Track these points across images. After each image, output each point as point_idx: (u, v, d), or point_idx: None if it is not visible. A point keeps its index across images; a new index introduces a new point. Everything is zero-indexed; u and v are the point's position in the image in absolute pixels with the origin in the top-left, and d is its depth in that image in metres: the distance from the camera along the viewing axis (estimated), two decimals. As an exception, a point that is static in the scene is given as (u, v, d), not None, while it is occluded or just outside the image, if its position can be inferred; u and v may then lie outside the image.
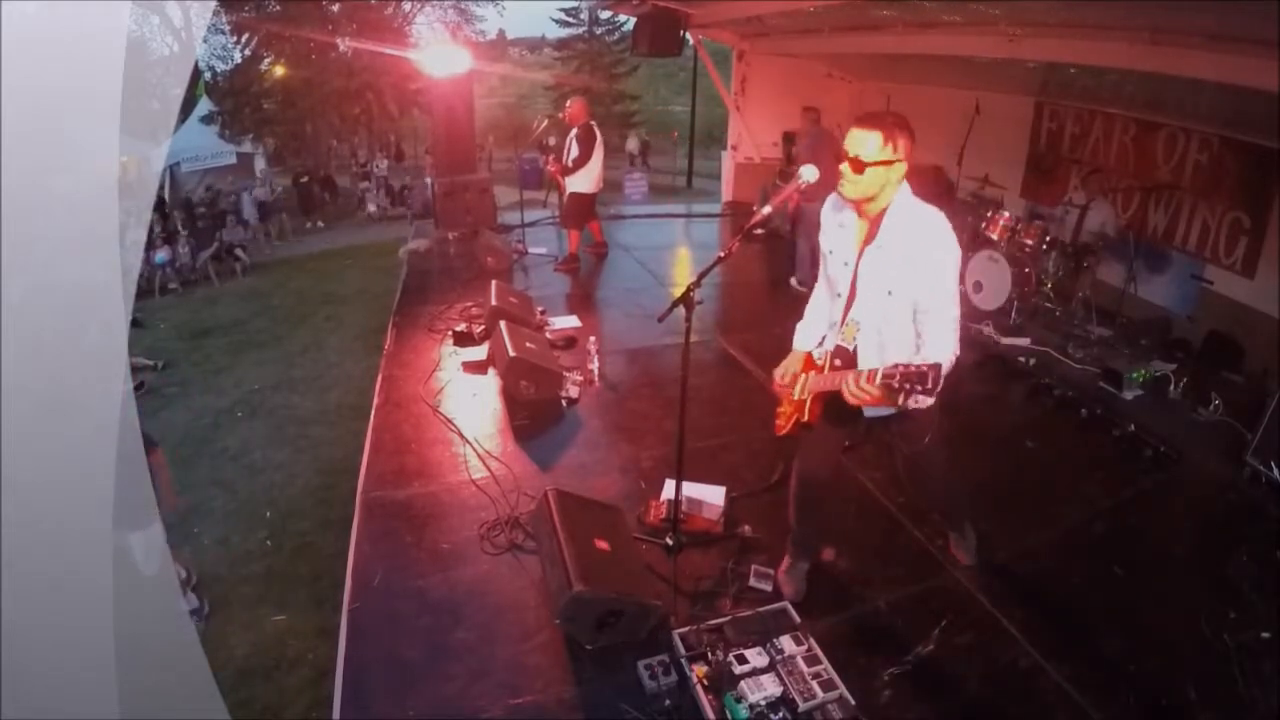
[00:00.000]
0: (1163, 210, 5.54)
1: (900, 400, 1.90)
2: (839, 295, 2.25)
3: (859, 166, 2.03)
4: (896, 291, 2.08)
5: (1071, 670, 2.40)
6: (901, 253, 2.05)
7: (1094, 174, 5.60)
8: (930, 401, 1.89)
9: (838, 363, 2.26)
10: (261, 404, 7.87)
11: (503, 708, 2.23)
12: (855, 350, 2.23)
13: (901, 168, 2.06)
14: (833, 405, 2.24)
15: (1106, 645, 2.54)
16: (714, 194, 13.04)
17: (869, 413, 2.29)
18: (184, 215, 13.84)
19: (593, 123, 6.62)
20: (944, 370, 1.92)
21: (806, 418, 2.32)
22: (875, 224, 2.11)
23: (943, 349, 2.03)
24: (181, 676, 4.25)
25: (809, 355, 2.40)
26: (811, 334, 2.44)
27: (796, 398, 2.35)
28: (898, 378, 1.83)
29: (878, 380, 1.89)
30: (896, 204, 2.08)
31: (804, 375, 2.35)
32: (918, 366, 1.81)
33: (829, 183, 2.20)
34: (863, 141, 2.02)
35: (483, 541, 2.94)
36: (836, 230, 2.24)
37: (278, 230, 15.31)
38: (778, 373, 2.42)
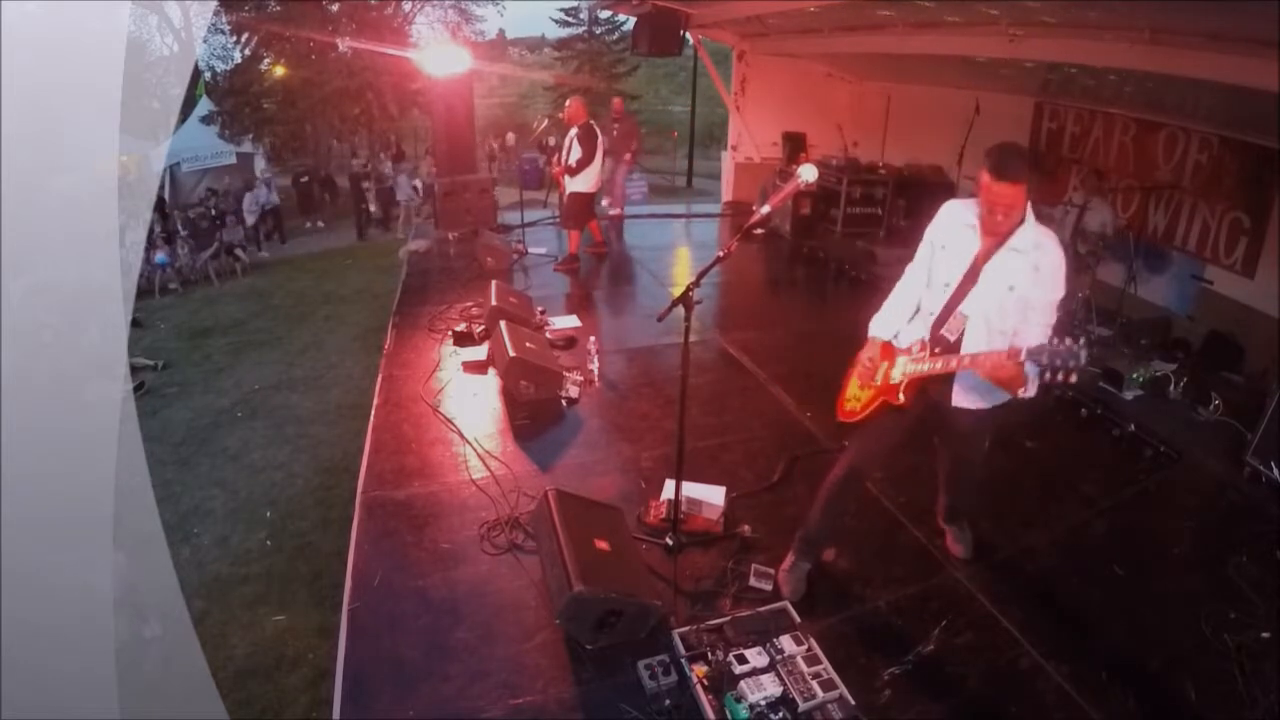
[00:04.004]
0: (1163, 210, 5.54)
1: (1032, 384, 2.11)
2: (946, 286, 2.37)
3: (1012, 212, 2.21)
4: (1018, 288, 2.25)
5: (1071, 670, 2.40)
6: (1033, 259, 2.24)
7: (1091, 174, 5.59)
8: (1073, 379, 2.02)
9: (937, 350, 2.37)
10: (261, 404, 7.86)
11: (503, 708, 2.23)
12: (957, 341, 2.35)
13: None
14: (923, 393, 2.42)
15: (1106, 645, 2.54)
16: (714, 194, 13.05)
17: (964, 403, 2.42)
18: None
19: (592, 121, 6.62)
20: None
21: (901, 401, 2.42)
22: (1009, 232, 2.27)
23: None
24: (181, 676, 4.25)
25: (887, 344, 2.50)
26: (891, 324, 2.54)
27: (891, 382, 2.44)
28: (1046, 355, 1.99)
29: (1023, 357, 2.05)
30: (1028, 219, 2.27)
31: (898, 359, 2.44)
32: (1069, 346, 1.96)
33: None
34: (1007, 195, 2.18)
35: (483, 541, 2.94)
36: (963, 229, 2.36)
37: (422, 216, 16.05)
38: (864, 356, 2.54)
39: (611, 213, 8.60)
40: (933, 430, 2.66)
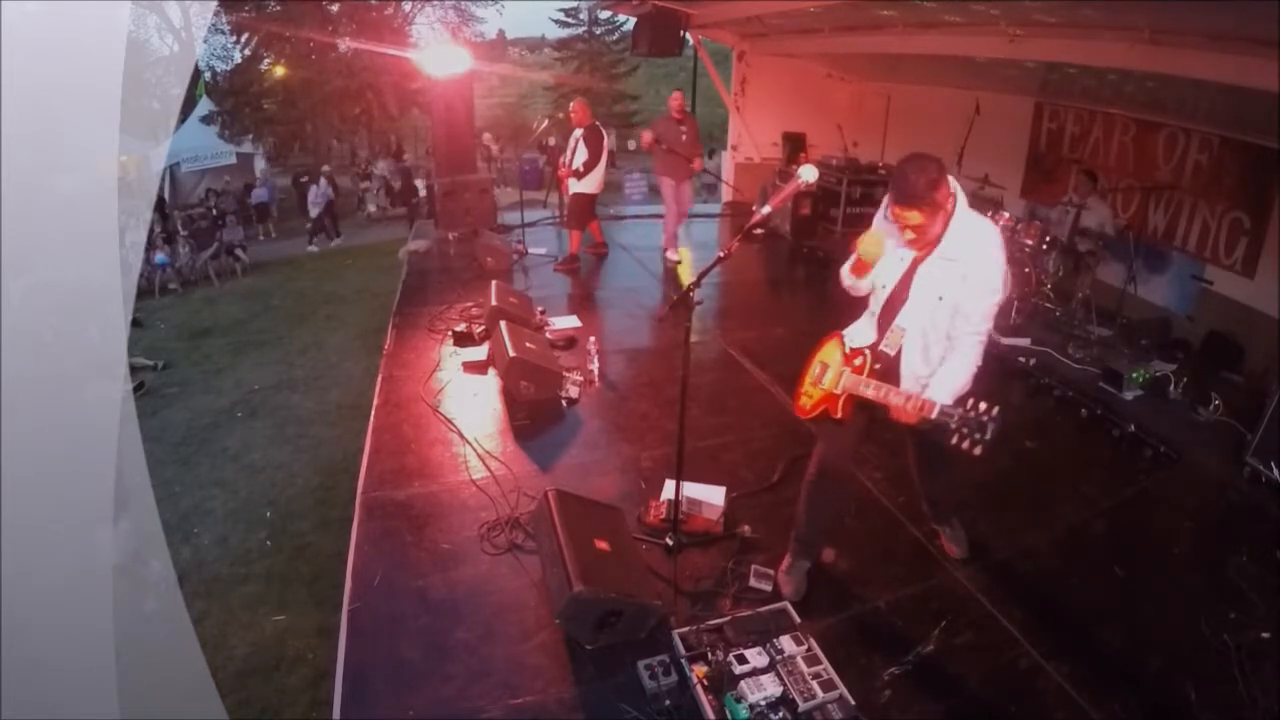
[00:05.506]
0: (1163, 210, 5.54)
1: (945, 433, 1.99)
2: (883, 287, 2.34)
3: (922, 232, 2.17)
4: (947, 297, 2.20)
5: (1071, 670, 2.40)
6: (961, 268, 2.17)
7: (1082, 176, 5.57)
8: (977, 451, 1.94)
9: (877, 367, 2.35)
10: (261, 404, 7.86)
11: (502, 708, 2.23)
12: (896, 356, 2.32)
13: (948, 200, 2.16)
14: (865, 406, 2.36)
15: (1106, 645, 2.54)
16: (713, 194, 13.03)
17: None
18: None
19: (598, 123, 6.61)
20: (967, 384, 2.11)
21: (839, 414, 2.40)
22: (936, 240, 2.21)
23: (967, 360, 2.19)
24: (181, 676, 4.25)
25: (840, 338, 2.49)
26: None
27: (834, 391, 2.41)
28: (956, 419, 1.95)
29: (934, 414, 2.02)
30: (958, 219, 2.19)
31: (841, 370, 2.41)
32: (979, 415, 1.91)
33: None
34: (909, 218, 2.14)
35: (483, 541, 2.94)
36: (896, 233, 2.30)
37: None
38: (819, 353, 2.51)
39: (671, 258, 7.00)
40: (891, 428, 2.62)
